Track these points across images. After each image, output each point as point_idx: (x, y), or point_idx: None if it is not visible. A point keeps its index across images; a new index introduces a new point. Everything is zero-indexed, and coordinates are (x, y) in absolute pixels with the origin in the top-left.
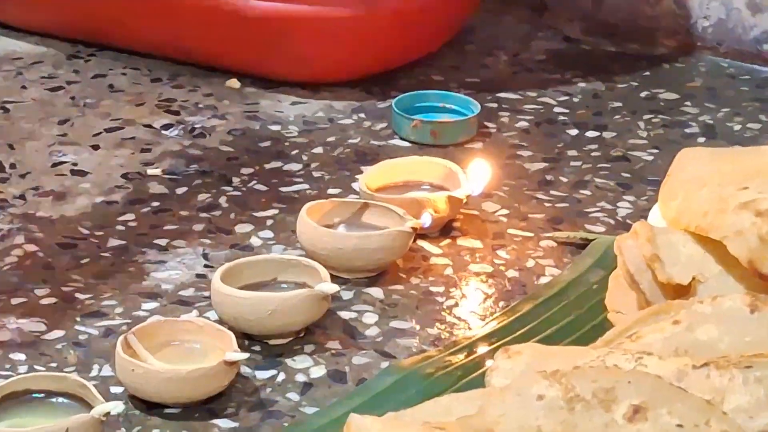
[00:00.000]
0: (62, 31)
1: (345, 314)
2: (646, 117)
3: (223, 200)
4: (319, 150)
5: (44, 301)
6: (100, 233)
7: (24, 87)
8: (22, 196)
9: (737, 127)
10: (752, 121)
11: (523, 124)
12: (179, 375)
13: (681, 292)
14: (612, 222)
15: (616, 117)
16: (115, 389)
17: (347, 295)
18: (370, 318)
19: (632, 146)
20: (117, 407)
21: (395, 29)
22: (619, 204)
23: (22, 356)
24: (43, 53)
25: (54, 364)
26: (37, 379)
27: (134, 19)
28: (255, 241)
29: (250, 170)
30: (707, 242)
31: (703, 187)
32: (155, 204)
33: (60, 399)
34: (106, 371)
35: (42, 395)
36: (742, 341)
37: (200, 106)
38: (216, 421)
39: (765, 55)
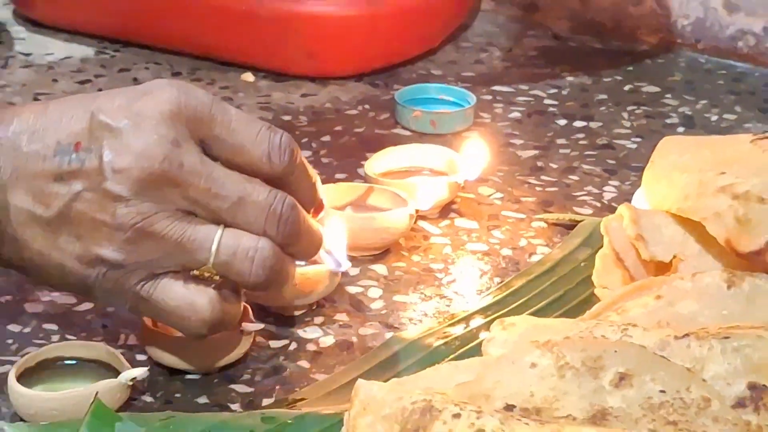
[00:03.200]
0: (90, 29)
1: (352, 289)
2: (629, 108)
3: None
4: (327, 138)
5: None
6: None
7: (55, 80)
8: None
9: (714, 118)
10: (728, 112)
11: (515, 114)
12: (199, 344)
13: (663, 269)
14: (598, 205)
15: (602, 108)
16: (140, 356)
17: (354, 271)
18: (375, 292)
19: (617, 135)
20: (142, 373)
21: (397, 27)
22: (604, 188)
23: (54, 326)
24: (72, 49)
25: (84, 333)
26: (69, 347)
27: (156, 18)
28: None
29: None
30: (687, 223)
31: (684, 172)
32: None
33: (90, 365)
34: (132, 340)
35: (73, 362)
36: (720, 314)
37: (233, 100)
38: (233, 386)
39: (740, 51)
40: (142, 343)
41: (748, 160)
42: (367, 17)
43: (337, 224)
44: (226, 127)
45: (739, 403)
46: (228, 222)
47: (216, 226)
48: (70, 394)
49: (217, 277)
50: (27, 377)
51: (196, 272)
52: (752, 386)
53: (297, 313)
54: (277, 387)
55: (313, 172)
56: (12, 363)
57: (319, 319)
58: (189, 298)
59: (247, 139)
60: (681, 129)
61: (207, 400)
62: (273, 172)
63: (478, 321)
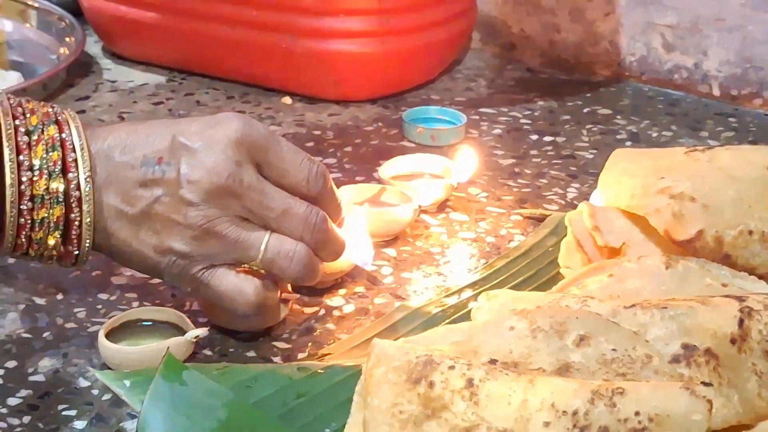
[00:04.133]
0: (162, 61)
1: (368, 267)
2: (587, 126)
3: None
4: (348, 149)
5: None
6: None
7: (135, 102)
8: None
9: (654, 134)
10: (666, 130)
11: (497, 131)
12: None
13: (614, 253)
14: (563, 202)
15: (566, 126)
16: (202, 319)
17: (369, 255)
18: (387, 270)
19: (577, 148)
20: (203, 332)
21: (404, 62)
22: (568, 189)
23: (134, 295)
24: (148, 78)
25: (157, 301)
26: (146, 311)
27: (214, 52)
28: None
29: None
30: (634, 217)
31: (631, 177)
32: None
33: (162, 326)
34: (195, 306)
35: (149, 323)
36: (660, 289)
37: (262, 117)
38: (275, 343)
39: (675, 82)
40: (204, 310)
41: (682, 168)
42: (380, 54)
43: (363, 229)
44: (277, 155)
45: (675, 360)
46: (274, 228)
47: (265, 231)
48: (147, 349)
49: (262, 271)
50: (113, 335)
51: (245, 266)
52: (685, 346)
53: (325, 286)
54: (309, 344)
55: (339, 194)
56: (101, 324)
57: (342, 291)
58: (239, 286)
59: (292, 165)
60: (628, 143)
61: (254, 354)
62: (310, 193)
63: (467, 293)
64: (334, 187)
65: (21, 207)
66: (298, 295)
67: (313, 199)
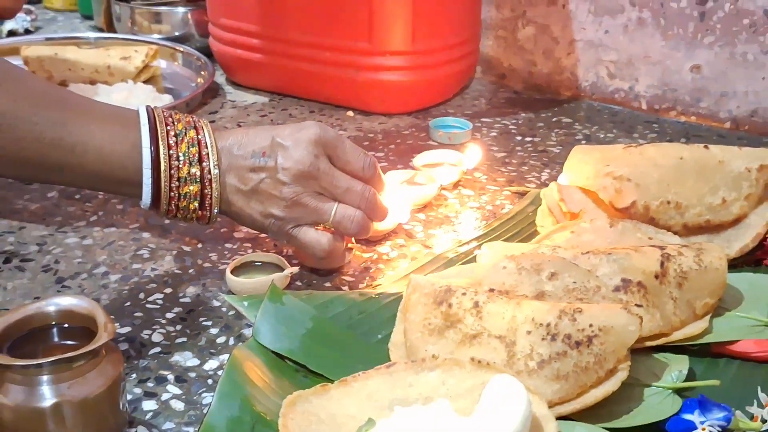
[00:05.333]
0: (265, 87)
1: (406, 226)
2: (555, 131)
3: None
4: (392, 146)
5: None
6: None
7: (248, 115)
8: None
9: (602, 136)
10: (609, 133)
11: (493, 134)
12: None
13: (574, 217)
14: (539, 182)
15: (540, 131)
16: (294, 261)
17: (406, 217)
18: (419, 228)
19: (549, 145)
20: (295, 270)
21: (430, 87)
22: (542, 174)
23: (249, 245)
24: (256, 98)
25: (265, 249)
26: (257, 255)
27: (302, 81)
28: None
29: None
30: (588, 192)
31: (586, 165)
32: None
33: (269, 266)
34: (289, 252)
35: (259, 263)
36: (606, 241)
37: (333, 125)
38: (344, 277)
39: (617, 100)
40: (295, 255)
41: (621, 158)
42: (413, 82)
43: (403, 198)
44: (343, 151)
45: (616, 289)
46: (340, 200)
47: (334, 202)
48: (258, 281)
49: (332, 229)
50: (235, 271)
51: (320, 226)
52: (623, 280)
53: (377, 239)
54: (366, 278)
55: (384, 177)
56: (227, 264)
57: (388, 243)
58: (317, 238)
59: (353, 158)
60: (584, 142)
61: (329, 285)
62: (365, 176)
63: (473, 244)
64: (381, 172)
65: (171, 185)
66: (359, 245)
67: (367, 181)
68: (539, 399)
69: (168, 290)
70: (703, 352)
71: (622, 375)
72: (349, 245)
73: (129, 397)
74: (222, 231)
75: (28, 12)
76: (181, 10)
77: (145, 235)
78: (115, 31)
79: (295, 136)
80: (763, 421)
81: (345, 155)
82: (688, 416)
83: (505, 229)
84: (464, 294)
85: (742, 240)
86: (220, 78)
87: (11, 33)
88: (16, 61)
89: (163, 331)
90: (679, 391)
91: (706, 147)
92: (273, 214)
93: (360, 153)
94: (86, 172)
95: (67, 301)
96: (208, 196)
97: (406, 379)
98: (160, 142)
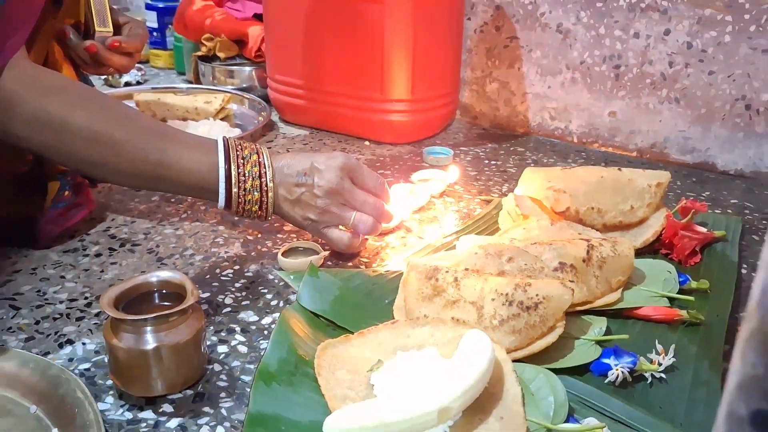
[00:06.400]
0: (306, 124)
1: (406, 224)
2: (512, 157)
3: None
4: (396, 167)
5: None
6: None
7: (294, 144)
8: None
9: (546, 161)
10: (551, 159)
11: (468, 158)
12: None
13: (525, 218)
14: (501, 193)
15: (502, 157)
16: (326, 248)
17: (406, 217)
18: (414, 225)
19: (508, 167)
20: (327, 254)
21: (424, 125)
22: (503, 187)
23: (294, 235)
24: (300, 132)
25: (305, 238)
26: (300, 243)
27: (333, 120)
28: None
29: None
30: (536, 201)
31: (535, 181)
32: None
33: (308, 250)
34: (322, 242)
35: (302, 249)
36: (548, 235)
37: (354, 152)
38: (361, 260)
39: (556, 135)
40: (327, 243)
41: (559, 177)
42: (413, 121)
43: (404, 203)
44: (361, 174)
45: (555, 269)
46: (358, 209)
47: (353, 211)
48: (301, 261)
49: (351, 229)
50: (285, 254)
51: (343, 227)
52: (560, 263)
53: (385, 234)
54: (378, 260)
55: (390, 193)
56: (278, 249)
57: (393, 235)
58: (339, 236)
59: (368, 179)
60: (532, 164)
61: (351, 265)
62: (376, 192)
63: (454, 237)
64: (388, 187)
65: (239, 194)
66: (370, 238)
67: (378, 195)
68: (500, 347)
69: (236, 267)
70: (617, 315)
71: (559, 330)
72: (363, 239)
73: (208, 343)
74: (275, 225)
75: (139, 69)
76: (247, 68)
77: (220, 227)
78: (200, 83)
79: (327, 162)
80: (659, 365)
81: (362, 177)
82: (606, 360)
83: (476, 226)
84: (447, 272)
85: (644, 235)
86: (274, 117)
87: (127, 84)
88: (130, 103)
89: (232, 296)
90: (599, 343)
91: (619, 169)
92: (310, 218)
93: (374, 175)
94: (179, 183)
95: (164, 274)
96: (265, 203)
97: (406, 332)
98: (232, 164)
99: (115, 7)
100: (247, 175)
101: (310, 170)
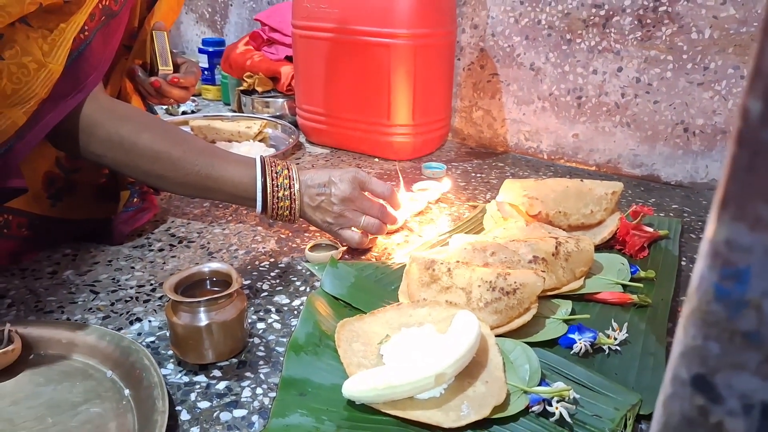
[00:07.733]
0: (327, 144)
1: (409, 225)
2: (494, 171)
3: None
4: (401, 178)
5: None
6: None
7: (317, 161)
8: None
9: (521, 173)
10: (525, 172)
11: (458, 172)
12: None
13: (505, 219)
14: (485, 200)
15: (485, 170)
16: (344, 245)
17: (409, 219)
18: (415, 226)
19: (490, 179)
20: (344, 249)
21: (423, 145)
22: (487, 195)
23: (318, 234)
24: (322, 151)
25: (327, 237)
26: (322, 240)
27: (349, 141)
28: None
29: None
30: (514, 206)
31: (513, 190)
32: None
33: (329, 247)
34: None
35: (324, 245)
36: (524, 234)
37: (365, 168)
38: (371, 254)
39: (531, 153)
40: (343, 242)
41: (532, 186)
42: (413, 142)
43: (406, 208)
44: (371, 184)
45: (530, 261)
46: (368, 214)
47: (363, 215)
48: (324, 255)
49: (361, 230)
50: (311, 249)
51: (354, 228)
52: (534, 257)
53: (391, 233)
54: (385, 254)
55: (398, 200)
56: (305, 245)
57: (397, 234)
58: (352, 236)
59: (377, 188)
60: (510, 177)
61: (364, 258)
62: (385, 199)
63: (447, 235)
64: (397, 196)
65: (273, 202)
66: (378, 236)
67: (387, 200)
68: (485, 325)
69: (272, 259)
70: (580, 299)
71: (533, 311)
72: (371, 238)
73: (249, 320)
74: (302, 227)
75: (193, 100)
76: (280, 99)
77: (259, 228)
78: (242, 112)
79: (342, 176)
80: (615, 339)
81: (372, 187)
82: (571, 335)
83: (465, 227)
84: (442, 264)
85: (602, 234)
86: (302, 139)
87: (184, 112)
88: (185, 128)
89: (269, 283)
90: (566, 321)
91: (582, 180)
92: (328, 221)
93: (382, 185)
94: (224, 193)
95: (214, 265)
96: (293, 209)
97: (408, 312)
98: (268, 177)
99: (174, 50)
100: (279, 186)
101: (328, 182)
